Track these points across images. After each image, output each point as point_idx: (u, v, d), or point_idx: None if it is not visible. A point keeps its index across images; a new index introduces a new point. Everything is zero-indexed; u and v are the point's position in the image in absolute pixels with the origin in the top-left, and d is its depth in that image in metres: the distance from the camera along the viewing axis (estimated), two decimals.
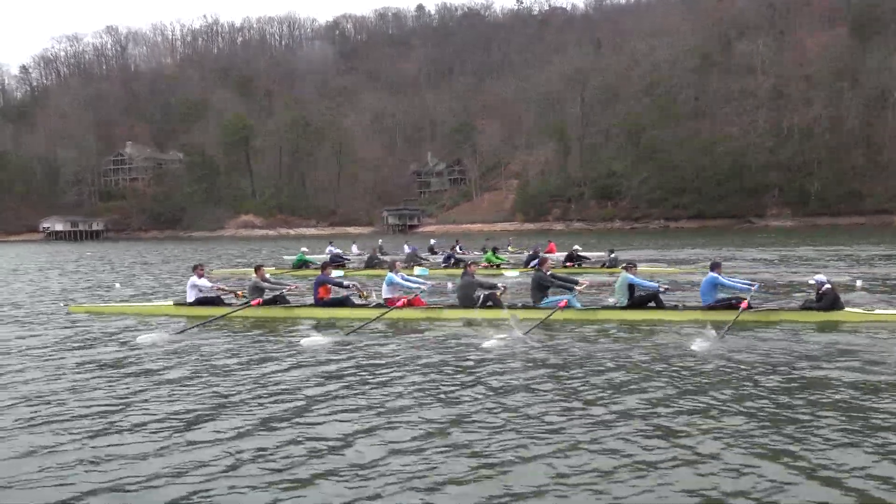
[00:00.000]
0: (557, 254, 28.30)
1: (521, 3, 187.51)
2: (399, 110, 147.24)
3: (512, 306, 12.95)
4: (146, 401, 7.36)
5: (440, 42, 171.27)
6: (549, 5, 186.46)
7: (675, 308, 12.60)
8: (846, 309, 11.90)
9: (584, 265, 24.64)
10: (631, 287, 12.69)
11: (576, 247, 26.01)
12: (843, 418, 6.30)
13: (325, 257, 27.85)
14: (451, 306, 13.25)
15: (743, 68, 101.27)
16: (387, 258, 27.84)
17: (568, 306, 12.36)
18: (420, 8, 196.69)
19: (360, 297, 13.67)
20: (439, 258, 27.97)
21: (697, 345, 9.52)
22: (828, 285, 11.92)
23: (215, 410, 6.98)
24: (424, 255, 29.20)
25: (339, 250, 30.01)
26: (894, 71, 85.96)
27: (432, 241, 35.73)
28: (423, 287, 13.71)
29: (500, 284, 13.96)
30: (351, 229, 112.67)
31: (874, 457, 5.36)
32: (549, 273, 13.26)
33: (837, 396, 7.06)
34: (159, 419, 6.66)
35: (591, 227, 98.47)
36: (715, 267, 12.62)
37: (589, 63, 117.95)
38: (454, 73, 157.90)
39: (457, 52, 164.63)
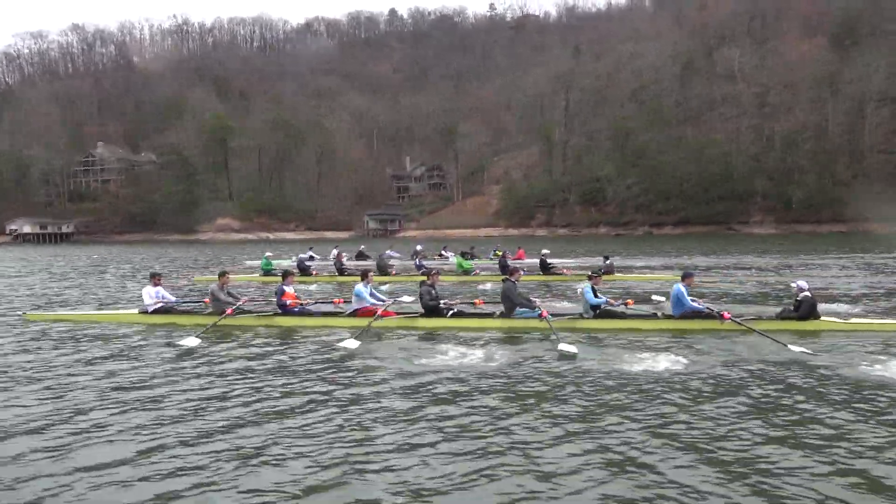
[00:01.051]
0: (528, 260, 27.95)
1: (495, 9, 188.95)
2: (378, 112, 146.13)
3: (488, 315, 12.72)
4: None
5: (417, 45, 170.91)
6: (523, 12, 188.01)
7: (653, 317, 12.37)
8: (823, 318, 11.74)
9: (552, 272, 23.40)
10: (595, 295, 12.42)
11: (545, 251, 25.06)
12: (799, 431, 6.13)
13: (290, 262, 27.44)
14: (422, 315, 12.85)
15: (726, 75, 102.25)
16: (352, 264, 27.57)
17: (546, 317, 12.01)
18: (392, 12, 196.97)
19: (334, 304, 13.80)
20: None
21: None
22: (806, 293, 11.68)
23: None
24: (397, 257, 28.70)
25: (305, 255, 29.35)
26: (874, 79, 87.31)
27: (418, 248, 32.41)
28: (387, 303, 13.26)
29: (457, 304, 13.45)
30: (330, 234, 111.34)
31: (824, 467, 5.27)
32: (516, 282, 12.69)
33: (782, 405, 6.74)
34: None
35: (575, 232, 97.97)
36: (686, 277, 12.35)
37: (571, 67, 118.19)
38: (433, 77, 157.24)
39: (437, 55, 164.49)
